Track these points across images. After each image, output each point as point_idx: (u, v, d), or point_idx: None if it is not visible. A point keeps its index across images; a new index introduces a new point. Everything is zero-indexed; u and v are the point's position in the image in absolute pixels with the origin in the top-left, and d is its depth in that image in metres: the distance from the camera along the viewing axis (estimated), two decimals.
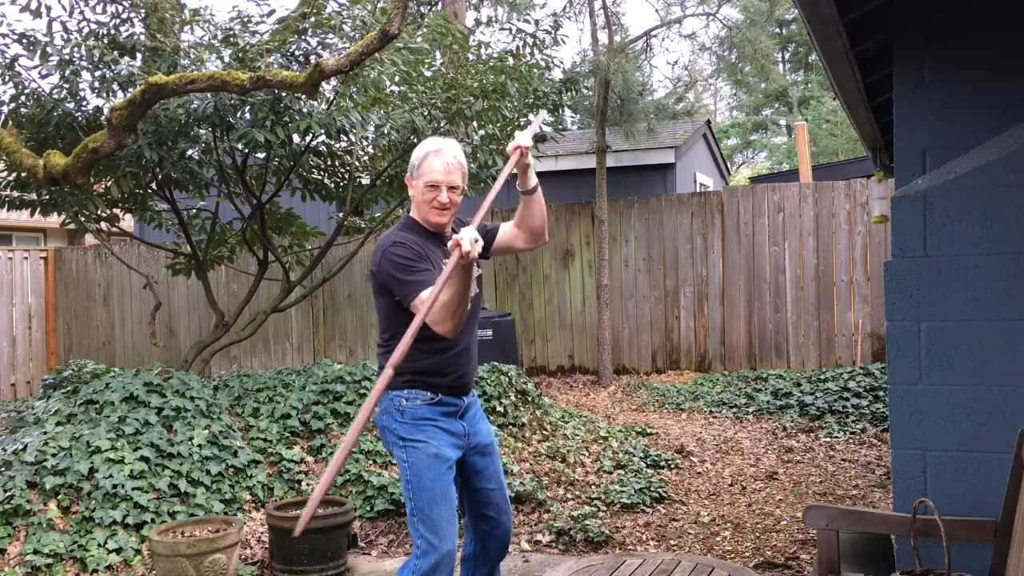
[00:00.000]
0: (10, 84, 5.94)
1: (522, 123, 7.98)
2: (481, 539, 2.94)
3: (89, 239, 12.56)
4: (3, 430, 6.75)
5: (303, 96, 5.41)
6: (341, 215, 7.22)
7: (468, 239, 2.26)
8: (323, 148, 6.95)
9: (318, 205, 8.95)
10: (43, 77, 6.05)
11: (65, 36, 6.01)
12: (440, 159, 2.76)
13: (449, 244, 2.33)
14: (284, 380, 5.75)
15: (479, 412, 2.93)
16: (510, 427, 5.99)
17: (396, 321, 2.69)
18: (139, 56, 6.11)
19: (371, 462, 5.13)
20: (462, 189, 2.82)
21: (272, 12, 6.20)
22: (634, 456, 5.90)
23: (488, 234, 2.93)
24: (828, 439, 6.61)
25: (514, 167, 2.75)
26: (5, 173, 6.18)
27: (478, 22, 8.81)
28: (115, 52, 5.89)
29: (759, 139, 29.34)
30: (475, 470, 2.86)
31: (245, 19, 6.13)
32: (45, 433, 4.58)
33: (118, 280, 11.50)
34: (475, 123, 7.19)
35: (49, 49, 5.87)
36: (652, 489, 5.19)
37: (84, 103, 6.18)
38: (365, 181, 7.41)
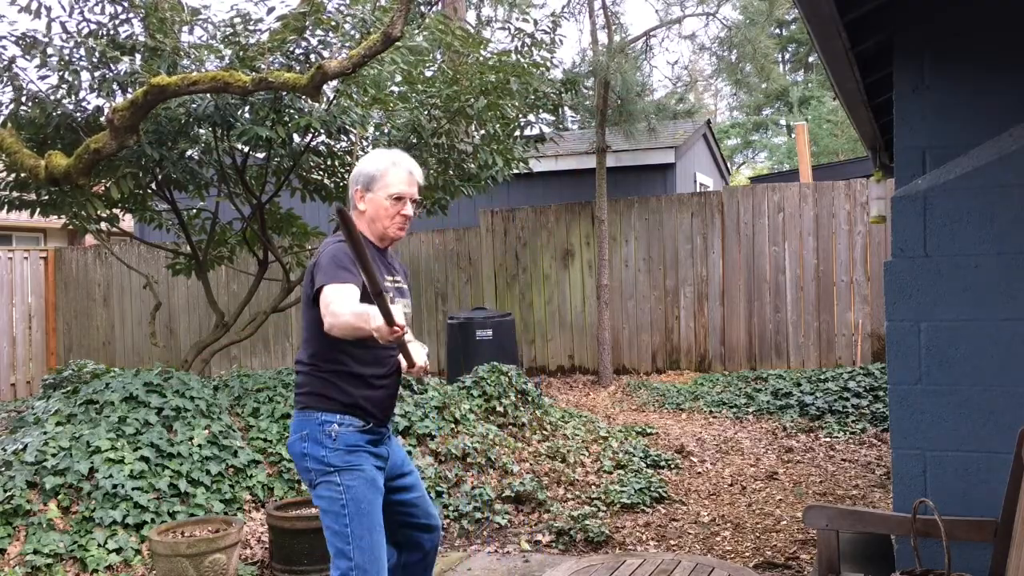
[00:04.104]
0: (9, 85, 5.94)
1: (522, 123, 7.98)
2: (422, 548, 2.85)
3: (89, 239, 12.57)
4: (3, 430, 6.75)
5: (305, 96, 5.42)
6: None
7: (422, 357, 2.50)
8: (323, 148, 6.95)
9: (318, 206, 8.94)
10: (42, 78, 6.06)
11: (64, 36, 6.01)
12: (402, 170, 2.68)
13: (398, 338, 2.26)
14: (284, 380, 5.75)
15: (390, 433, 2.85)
16: (510, 427, 5.99)
17: (326, 341, 2.55)
18: (139, 56, 6.11)
19: None
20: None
21: (272, 9, 6.19)
22: (634, 456, 5.90)
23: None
24: (828, 439, 6.61)
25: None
26: (5, 174, 6.18)
27: (479, 21, 8.82)
28: (116, 52, 5.89)
29: (759, 139, 29.34)
30: (404, 485, 2.78)
31: (245, 18, 6.13)
32: (45, 433, 4.58)
33: (118, 280, 11.50)
34: (475, 122, 7.19)
35: (49, 50, 5.87)
36: (652, 489, 5.19)
37: (84, 103, 6.18)
38: None
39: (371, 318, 2.25)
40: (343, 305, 2.38)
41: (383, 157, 2.71)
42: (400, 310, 2.24)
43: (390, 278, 2.72)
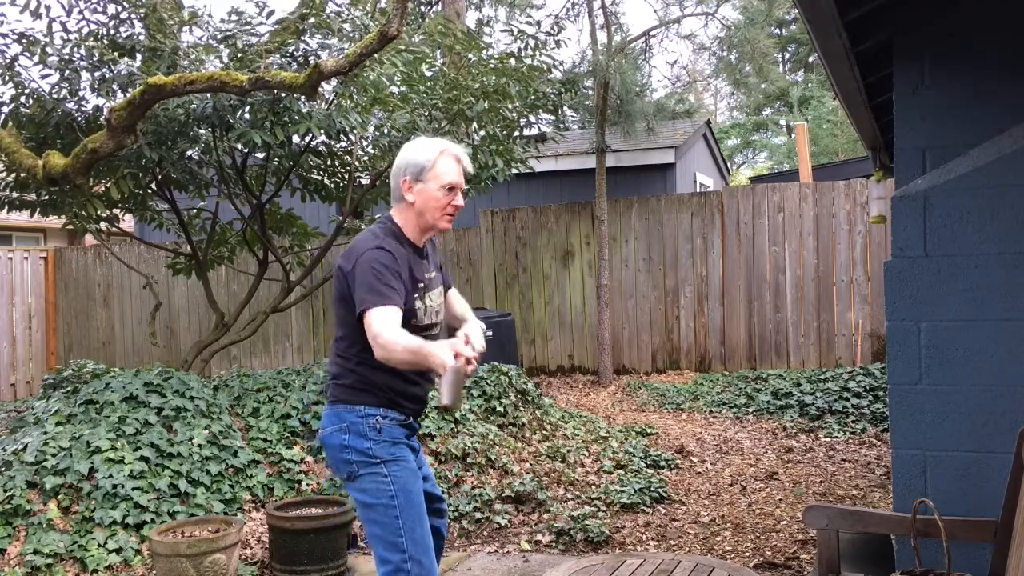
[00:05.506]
0: (10, 84, 5.94)
1: (522, 124, 7.99)
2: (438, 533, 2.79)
3: (89, 239, 12.56)
4: (3, 430, 6.75)
5: (302, 96, 5.42)
6: (341, 216, 7.22)
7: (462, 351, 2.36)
8: (323, 148, 6.95)
9: (318, 206, 8.95)
10: (43, 77, 6.06)
11: (65, 36, 6.01)
12: (452, 158, 2.57)
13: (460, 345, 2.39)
14: (284, 380, 5.75)
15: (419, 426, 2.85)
16: (510, 427, 5.99)
17: (363, 337, 2.50)
18: (138, 56, 6.11)
19: None
20: None
21: (271, 13, 6.20)
22: (634, 456, 5.90)
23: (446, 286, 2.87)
24: (828, 439, 6.61)
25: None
26: (4, 174, 6.18)
27: (480, 22, 8.83)
28: (115, 52, 5.89)
29: (759, 139, 29.34)
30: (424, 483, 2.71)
31: (244, 20, 6.13)
32: (45, 433, 4.58)
33: (118, 280, 11.50)
34: (475, 124, 7.20)
35: (49, 49, 5.87)
36: (652, 489, 5.19)
37: (84, 103, 6.18)
38: (365, 181, 7.42)
39: (428, 355, 2.33)
40: (393, 336, 2.37)
41: (432, 145, 2.58)
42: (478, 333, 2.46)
43: (427, 275, 2.67)
